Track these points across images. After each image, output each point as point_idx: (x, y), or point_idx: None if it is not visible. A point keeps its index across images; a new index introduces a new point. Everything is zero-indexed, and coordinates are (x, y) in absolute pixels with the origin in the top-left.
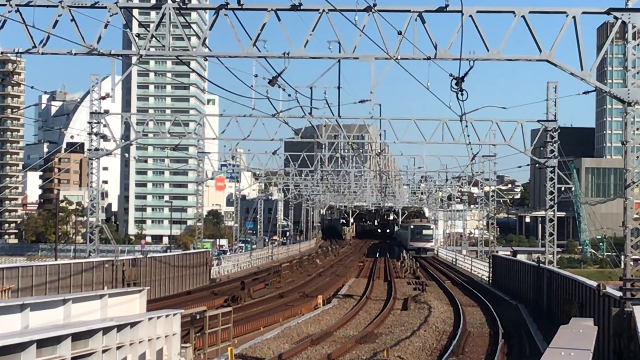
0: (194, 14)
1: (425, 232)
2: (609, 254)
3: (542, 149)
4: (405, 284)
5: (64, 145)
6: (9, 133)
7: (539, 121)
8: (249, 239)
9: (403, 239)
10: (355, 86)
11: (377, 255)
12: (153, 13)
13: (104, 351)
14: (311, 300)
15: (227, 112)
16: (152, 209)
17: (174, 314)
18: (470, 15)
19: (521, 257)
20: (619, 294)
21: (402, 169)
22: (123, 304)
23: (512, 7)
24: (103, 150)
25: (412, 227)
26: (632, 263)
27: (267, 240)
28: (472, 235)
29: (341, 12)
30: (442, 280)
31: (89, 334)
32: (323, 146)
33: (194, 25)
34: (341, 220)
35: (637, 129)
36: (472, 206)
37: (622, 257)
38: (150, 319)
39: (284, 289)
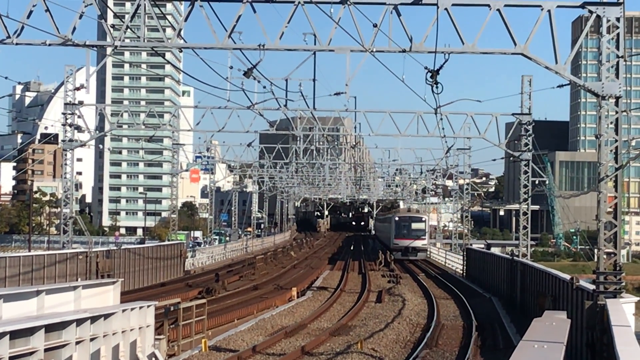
0: (169, 5)
1: (415, 225)
2: (582, 247)
3: (516, 142)
4: (379, 276)
5: (38, 136)
6: None
7: (513, 114)
8: (223, 231)
9: (383, 236)
10: (331, 79)
11: (350, 258)
12: (128, 4)
13: (77, 343)
14: (285, 293)
15: (202, 104)
16: (127, 201)
17: (148, 306)
18: (446, 9)
19: (495, 250)
20: (592, 287)
21: (377, 161)
22: (97, 296)
23: (487, 1)
24: (77, 142)
25: (396, 218)
26: (605, 256)
27: (241, 232)
28: (446, 228)
29: (316, 4)
30: (416, 273)
31: (63, 325)
32: (298, 138)
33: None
34: (316, 213)
35: (611, 123)
36: (446, 199)
37: (595, 250)
38: (124, 310)
39: (258, 281)
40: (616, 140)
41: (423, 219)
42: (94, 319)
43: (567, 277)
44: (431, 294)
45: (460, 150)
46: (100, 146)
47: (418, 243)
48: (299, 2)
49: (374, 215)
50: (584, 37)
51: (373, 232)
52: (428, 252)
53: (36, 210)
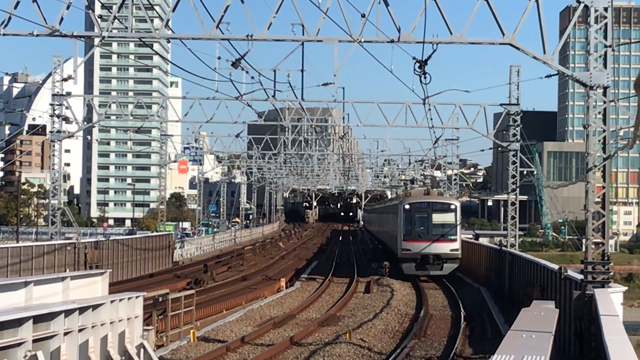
0: None
1: (438, 216)
2: (571, 237)
3: (504, 132)
4: (368, 267)
5: (26, 127)
6: None
7: (501, 105)
8: (210, 222)
9: (385, 235)
10: (319, 69)
11: (338, 249)
12: None
13: (65, 334)
14: (274, 283)
15: (190, 95)
16: (115, 192)
17: (137, 297)
18: None
19: (483, 241)
20: (580, 277)
21: (365, 152)
22: (85, 287)
23: None
24: (65, 133)
25: (406, 206)
26: (593, 246)
27: (228, 223)
28: None
29: None
30: None
31: (51, 316)
32: (286, 129)
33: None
34: (304, 204)
35: (599, 113)
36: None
37: (584, 240)
38: (112, 301)
39: (247, 272)
40: (604, 131)
41: (452, 207)
42: (82, 310)
43: (556, 267)
44: (419, 285)
45: (448, 141)
46: (89, 137)
47: (444, 247)
48: None
49: (362, 206)
50: (572, 27)
51: (362, 223)
52: (457, 264)
53: (24, 201)
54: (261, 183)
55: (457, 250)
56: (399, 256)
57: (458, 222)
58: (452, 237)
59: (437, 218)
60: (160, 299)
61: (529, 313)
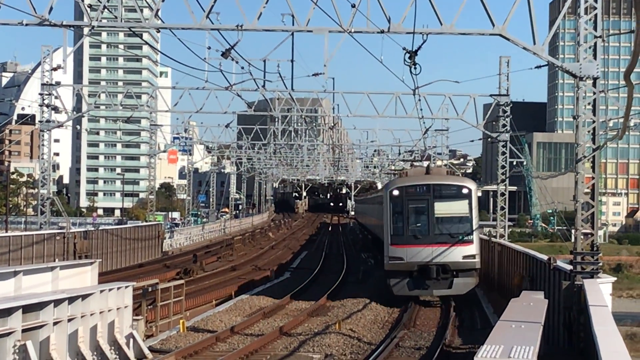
0: None
1: (443, 206)
2: (560, 227)
3: (494, 123)
4: (359, 257)
5: (15, 117)
6: None
7: (491, 95)
8: (199, 212)
9: (377, 230)
10: (309, 60)
11: (328, 239)
12: None
13: (55, 323)
14: (264, 273)
15: (179, 85)
16: (104, 182)
17: (126, 287)
18: None
19: None
20: (569, 267)
21: (355, 142)
22: (74, 277)
23: None
24: (54, 122)
25: (394, 192)
26: (582, 237)
27: (217, 213)
28: None
29: None
30: None
31: (40, 306)
32: (276, 119)
33: None
34: (294, 194)
35: (589, 104)
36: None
37: (573, 230)
38: (102, 291)
39: (236, 262)
40: (594, 121)
41: (464, 190)
42: (71, 300)
43: (545, 257)
44: None
45: (438, 132)
46: (78, 127)
47: (454, 254)
48: None
49: (352, 196)
50: (561, 18)
51: (352, 212)
52: (476, 278)
53: (13, 191)
54: (251, 173)
55: (473, 257)
56: (385, 268)
57: (474, 215)
58: (466, 238)
59: (442, 208)
60: (150, 289)
61: (518, 303)
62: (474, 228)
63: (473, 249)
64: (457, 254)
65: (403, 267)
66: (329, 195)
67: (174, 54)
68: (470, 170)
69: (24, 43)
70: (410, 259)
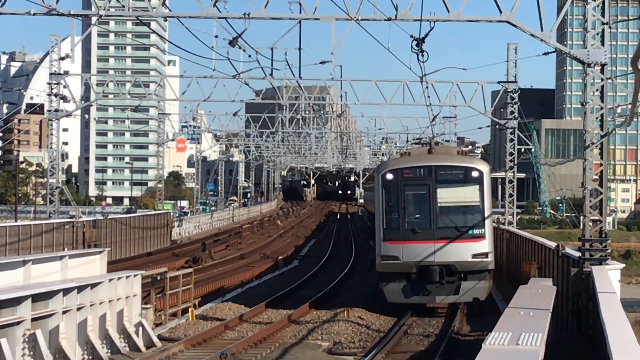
0: None
1: (447, 191)
2: (568, 214)
3: (502, 110)
4: (367, 245)
5: (24, 106)
6: None
7: (499, 82)
8: (207, 201)
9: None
10: (316, 47)
11: (336, 227)
12: None
13: (64, 312)
14: (272, 262)
15: (187, 73)
16: (113, 171)
17: (135, 275)
18: None
19: None
20: (577, 254)
21: (363, 130)
22: (83, 265)
23: None
24: (63, 112)
25: (387, 176)
26: (590, 223)
27: (226, 202)
28: None
29: None
30: None
31: (49, 295)
32: (284, 107)
33: None
34: (302, 182)
35: (597, 90)
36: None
37: (581, 217)
38: (110, 280)
39: (245, 250)
40: (602, 108)
41: (474, 174)
42: (80, 289)
43: (553, 244)
44: None
45: (446, 119)
46: (86, 116)
47: (462, 251)
48: None
49: (360, 184)
50: (569, 5)
51: (361, 200)
52: (489, 282)
53: (22, 180)
54: (259, 161)
55: (486, 255)
56: (377, 269)
57: (487, 203)
58: (477, 233)
59: (447, 196)
60: (159, 278)
61: (526, 290)
62: (486, 219)
63: (485, 245)
64: (465, 251)
65: (398, 268)
66: (337, 183)
67: (182, 42)
68: (478, 157)
69: (32, 32)
70: (407, 259)
